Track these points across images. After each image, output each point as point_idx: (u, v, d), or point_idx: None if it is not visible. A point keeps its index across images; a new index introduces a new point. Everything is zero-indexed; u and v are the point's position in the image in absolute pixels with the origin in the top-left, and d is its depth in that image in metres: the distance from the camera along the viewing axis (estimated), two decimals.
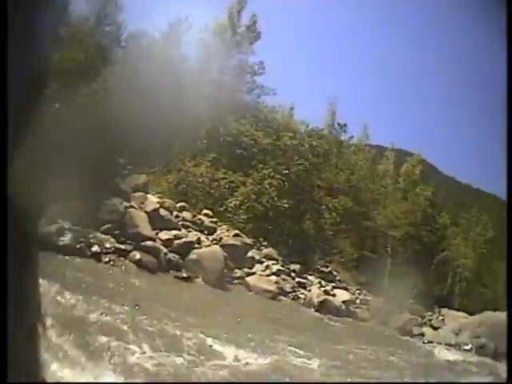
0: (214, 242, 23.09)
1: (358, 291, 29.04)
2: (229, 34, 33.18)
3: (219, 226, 25.27)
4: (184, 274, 19.05)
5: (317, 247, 30.30)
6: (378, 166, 41.13)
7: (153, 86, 29.93)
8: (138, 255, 18.31)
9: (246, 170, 29.57)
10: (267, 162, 30.02)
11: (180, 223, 22.88)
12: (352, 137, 40.58)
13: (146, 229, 19.63)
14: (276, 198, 28.73)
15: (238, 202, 28.21)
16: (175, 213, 23.44)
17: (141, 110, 30.66)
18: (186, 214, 24.14)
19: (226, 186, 28.83)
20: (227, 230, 24.54)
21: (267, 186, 28.81)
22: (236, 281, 21.47)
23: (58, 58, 24.78)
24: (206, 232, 23.91)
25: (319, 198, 32.79)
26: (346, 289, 27.60)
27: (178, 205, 24.37)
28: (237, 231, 24.46)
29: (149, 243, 18.99)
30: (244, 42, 33.52)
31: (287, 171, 29.97)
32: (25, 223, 1.12)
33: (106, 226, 18.92)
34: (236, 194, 28.59)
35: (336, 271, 29.95)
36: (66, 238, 16.94)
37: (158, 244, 19.54)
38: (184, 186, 27.28)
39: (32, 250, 1.19)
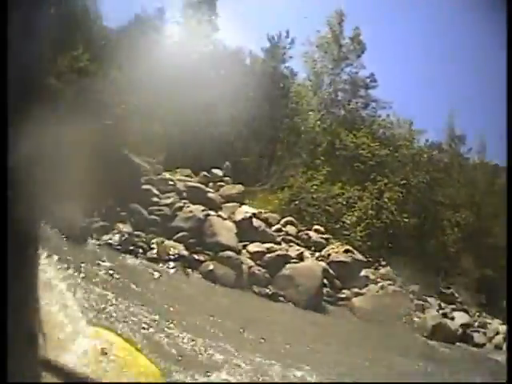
0: (321, 258, 18.72)
1: (477, 313, 23.67)
2: (333, 48, 29.28)
3: (332, 242, 20.90)
4: (267, 291, 14.74)
5: (440, 267, 24.97)
6: (497, 181, 35.41)
7: (258, 101, 27.26)
8: (210, 266, 14.34)
9: (363, 184, 24.83)
10: (386, 175, 25.28)
11: (281, 237, 18.45)
12: (470, 149, 35.11)
13: (228, 239, 15.38)
14: (396, 213, 23.81)
15: (355, 218, 23.58)
16: (277, 226, 19.34)
17: (248, 126, 27.72)
18: (291, 229, 19.77)
19: (344, 202, 24.18)
20: (337, 247, 20.13)
21: (386, 200, 23.98)
22: (341, 302, 16.71)
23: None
24: (313, 248, 19.53)
25: (442, 214, 27.53)
26: (465, 311, 22.30)
27: (284, 220, 20.06)
28: (348, 247, 19.52)
29: (228, 253, 14.95)
30: (351, 55, 29.55)
31: (406, 181, 25.05)
32: (25, 225, 0.95)
33: (181, 234, 15.32)
34: (353, 209, 23.90)
35: (458, 292, 24.47)
36: (115, 238, 13.82)
37: (240, 256, 15.43)
38: (296, 202, 23.15)
39: (32, 250, 1.02)
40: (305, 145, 27.36)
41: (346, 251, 19.01)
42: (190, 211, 15.92)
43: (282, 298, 14.86)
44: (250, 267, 14.96)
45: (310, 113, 28.19)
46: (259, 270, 14.98)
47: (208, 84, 25.97)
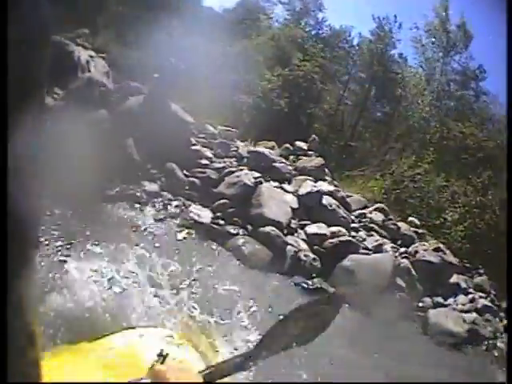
0: (405, 255, 13.61)
1: None
2: (441, 34, 24.09)
3: (427, 239, 15.50)
4: (310, 283, 9.80)
5: None
6: None
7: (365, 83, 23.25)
8: (240, 241, 9.80)
9: (469, 178, 19.37)
10: (492, 170, 19.45)
11: (362, 224, 13.74)
12: None
13: (277, 213, 10.72)
14: (500, 214, 17.51)
15: (457, 216, 17.99)
16: (361, 211, 14.39)
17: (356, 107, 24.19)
18: (377, 216, 14.84)
19: (449, 197, 18.94)
20: (430, 244, 14.78)
21: (490, 197, 18.23)
22: (415, 312, 11.21)
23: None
24: (399, 242, 14.38)
25: None
26: None
27: (376, 206, 15.29)
28: (439, 245, 14.26)
29: (268, 229, 10.30)
30: (459, 43, 24.32)
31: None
32: (25, 224, 0.78)
33: (222, 201, 10.92)
34: (456, 205, 18.46)
35: None
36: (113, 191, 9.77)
37: (293, 236, 10.71)
38: (398, 191, 18.16)
39: (32, 249, 0.82)
40: (414, 132, 22.99)
41: (437, 250, 13.68)
42: (237, 176, 11.48)
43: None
44: (298, 251, 10.18)
45: (421, 101, 23.24)
46: (306, 256, 10.11)
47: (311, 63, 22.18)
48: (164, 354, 1.58)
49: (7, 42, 0.68)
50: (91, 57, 15.61)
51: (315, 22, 24.83)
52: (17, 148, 0.70)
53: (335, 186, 14.39)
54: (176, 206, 10.44)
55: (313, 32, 24.61)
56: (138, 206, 10.26)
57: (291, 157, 15.41)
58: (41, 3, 0.74)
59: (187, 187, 11.41)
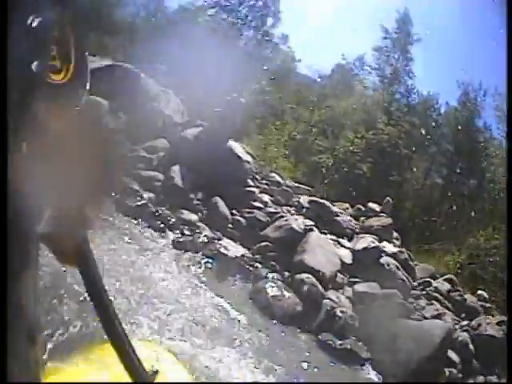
0: (466, 328, 11.62)
1: None
2: None
3: (493, 314, 13.33)
4: (340, 343, 8.02)
5: None
6: None
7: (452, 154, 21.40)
8: (268, 286, 8.53)
9: None
10: None
11: (423, 292, 12.04)
12: None
13: (320, 261, 9.44)
14: None
15: None
16: (426, 279, 12.73)
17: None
18: (443, 286, 13.02)
19: None
20: (494, 318, 12.64)
21: None
22: None
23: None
24: (463, 315, 12.49)
25: None
26: None
27: (445, 277, 13.56)
28: (504, 319, 12.15)
29: (304, 276, 8.99)
30: None
31: None
32: (25, 223, 0.76)
33: (264, 243, 9.80)
34: None
35: None
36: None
37: (337, 293, 9.33)
38: (473, 265, 16.13)
39: (33, 250, 0.80)
40: (495, 204, 20.36)
41: (500, 323, 11.60)
42: (286, 220, 10.35)
43: (364, 365, 8.19)
44: (336, 307, 8.73)
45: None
46: (343, 313, 8.62)
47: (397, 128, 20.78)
48: (155, 370, 1.52)
49: (7, 42, 0.63)
50: (162, 91, 15.37)
51: (405, 90, 23.40)
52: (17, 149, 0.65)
53: (400, 248, 12.79)
54: (205, 236, 9.41)
55: (402, 100, 23.18)
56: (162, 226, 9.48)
57: (362, 218, 14.02)
58: (41, 5, 0.69)
59: (231, 225, 10.42)
